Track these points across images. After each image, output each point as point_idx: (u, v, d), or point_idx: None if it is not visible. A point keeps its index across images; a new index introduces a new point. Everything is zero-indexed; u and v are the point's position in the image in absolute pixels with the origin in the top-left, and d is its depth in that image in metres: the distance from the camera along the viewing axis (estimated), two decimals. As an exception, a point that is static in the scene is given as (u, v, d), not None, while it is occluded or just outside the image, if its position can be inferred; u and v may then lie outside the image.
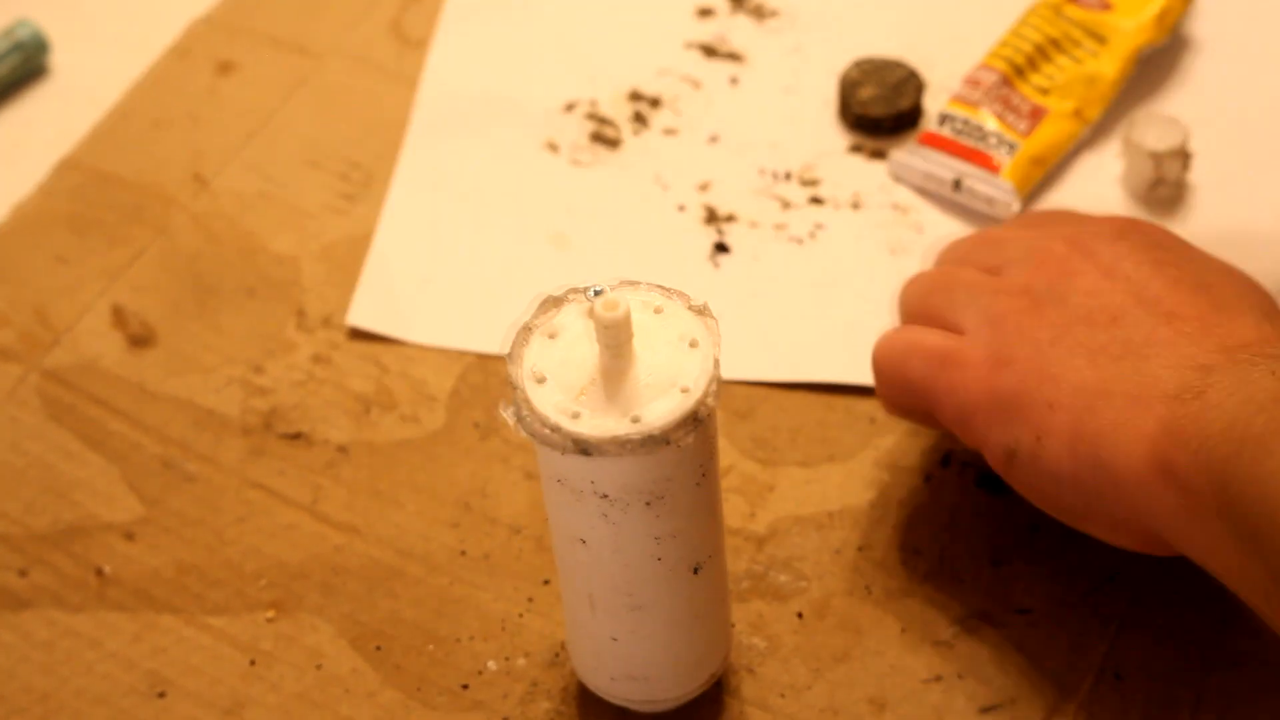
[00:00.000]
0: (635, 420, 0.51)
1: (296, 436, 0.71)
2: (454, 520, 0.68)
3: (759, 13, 0.86)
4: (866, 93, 0.80)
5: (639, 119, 0.82)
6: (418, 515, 0.68)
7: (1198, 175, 0.77)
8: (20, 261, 0.78)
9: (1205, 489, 0.52)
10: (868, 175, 0.79)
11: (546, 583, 0.66)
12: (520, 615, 0.65)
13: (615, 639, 0.58)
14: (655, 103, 0.82)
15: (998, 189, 0.76)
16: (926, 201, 0.78)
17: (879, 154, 0.80)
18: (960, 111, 0.78)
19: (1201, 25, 0.83)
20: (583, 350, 0.52)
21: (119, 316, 0.76)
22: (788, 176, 0.79)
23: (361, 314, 0.75)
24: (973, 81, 0.79)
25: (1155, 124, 0.76)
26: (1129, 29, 0.80)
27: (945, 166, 0.77)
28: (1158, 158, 0.75)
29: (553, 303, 0.54)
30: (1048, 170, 0.77)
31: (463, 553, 0.67)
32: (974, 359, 0.60)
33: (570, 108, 0.82)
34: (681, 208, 0.78)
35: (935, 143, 0.77)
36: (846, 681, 0.62)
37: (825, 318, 0.74)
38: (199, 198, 0.80)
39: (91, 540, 0.68)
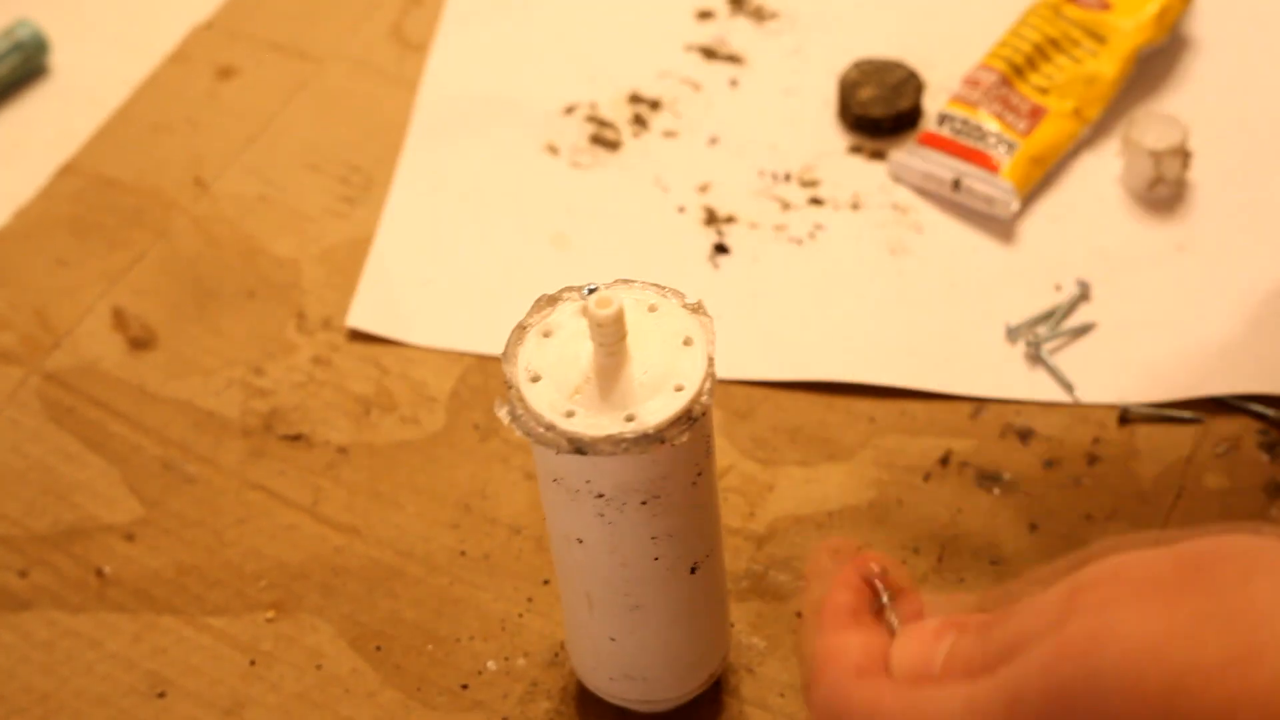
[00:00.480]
0: (630, 418, 0.50)
1: (297, 438, 0.71)
2: (454, 521, 0.68)
3: (759, 15, 0.86)
4: (866, 93, 0.80)
5: (639, 121, 0.82)
6: (418, 516, 0.68)
7: (1197, 174, 0.77)
8: (21, 264, 0.78)
9: None
10: (867, 176, 0.79)
11: (546, 583, 0.66)
12: (520, 615, 0.65)
13: (614, 639, 0.58)
14: (655, 105, 0.82)
15: (997, 188, 0.76)
16: (926, 201, 0.78)
17: (879, 154, 0.79)
18: (960, 111, 0.78)
19: (1201, 25, 0.83)
20: (578, 349, 0.52)
21: (119, 319, 0.76)
22: (787, 177, 0.79)
23: (361, 316, 0.75)
24: (972, 81, 0.78)
25: (1155, 123, 0.76)
26: (1128, 28, 0.79)
27: (945, 166, 0.77)
28: (1157, 156, 0.75)
29: (547, 301, 0.54)
30: (1047, 170, 0.77)
31: (462, 553, 0.67)
32: None
33: (570, 110, 0.82)
34: (681, 209, 0.78)
35: (935, 143, 0.77)
36: (845, 680, 0.62)
37: (825, 318, 0.74)
38: (199, 201, 0.80)
39: (92, 541, 0.68)
